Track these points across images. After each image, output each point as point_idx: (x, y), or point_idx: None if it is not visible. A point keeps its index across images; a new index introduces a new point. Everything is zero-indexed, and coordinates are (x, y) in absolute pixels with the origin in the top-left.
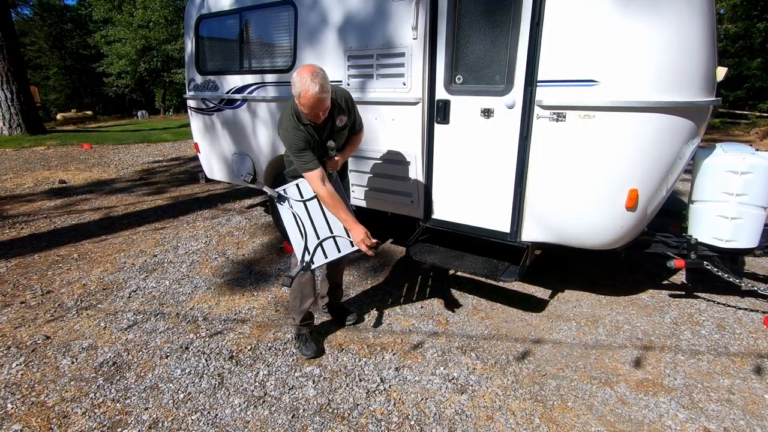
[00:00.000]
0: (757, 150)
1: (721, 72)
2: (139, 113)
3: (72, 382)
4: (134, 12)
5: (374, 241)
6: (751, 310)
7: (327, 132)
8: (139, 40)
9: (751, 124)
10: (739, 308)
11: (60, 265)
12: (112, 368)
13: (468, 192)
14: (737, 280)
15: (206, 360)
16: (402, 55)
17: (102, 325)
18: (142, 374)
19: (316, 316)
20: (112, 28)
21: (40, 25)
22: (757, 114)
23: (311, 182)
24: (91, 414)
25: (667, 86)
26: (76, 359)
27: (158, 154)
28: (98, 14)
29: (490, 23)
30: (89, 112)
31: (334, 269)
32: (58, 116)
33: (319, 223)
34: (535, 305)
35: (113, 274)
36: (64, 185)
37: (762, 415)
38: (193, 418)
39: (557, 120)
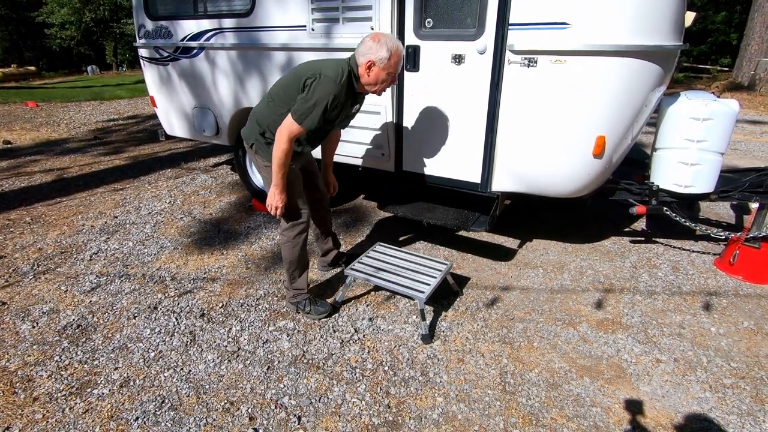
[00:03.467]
0: (718, 96)
1: (690, 17)
2: (89, 68)
3: (34, 347)
4: None
5: (280, 208)
6: (704, 253)
7: (346, 111)
8: None
9: (712, 78)
10: (693, 251)
11: (11, 229)
12: (77, 331)
13: (439, 142)
14: (693, 225)
15: (176, 319)
16: None
17: (63, 288)
18: (109, 335)
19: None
20: None
21: None
22: (718, 69)
23: (285, 132)
24: (57, 376)
25: (639, 29)
26: (37, 323)
27: (113, 112)
28: None
29: None
30: (32, 68)
31: (322, 221)
32: None
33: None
34: (504, 255)
35: (71, 237)
36: (9, 146)
37: (708, 345)
38: (165, 375)
39: (528, 65)
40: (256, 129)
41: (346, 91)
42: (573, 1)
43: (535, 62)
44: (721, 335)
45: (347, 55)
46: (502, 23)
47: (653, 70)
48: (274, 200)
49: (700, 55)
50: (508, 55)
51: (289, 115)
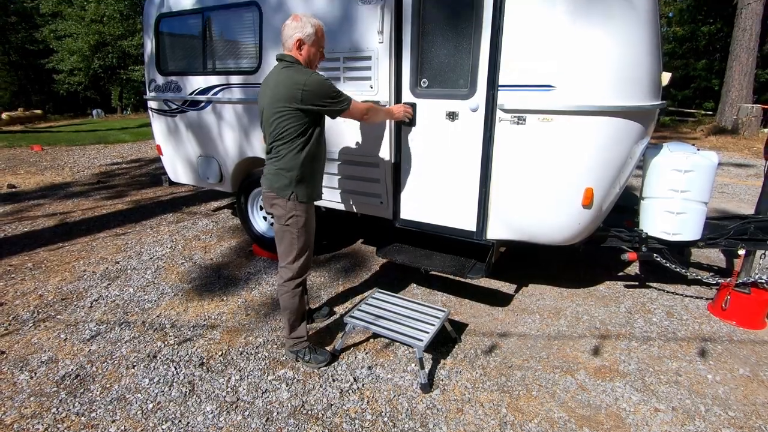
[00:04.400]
0: (698, 150)
1: (666, 77)
2: (94, 112)
3: (32, 398)
4: (86, 6)
5: (408, 108)
6: (697, 298)
7: None
8: (93, 36)
9: (697, 122)
10: (686, 296)
11: (13, 275)
12: (75, 381)
13: (435, 192)
14: (684, 270)
15: (176, 368)
16: (369, 58)
17: (62, 336)
18: (107, 386)
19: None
20: (62, 22)
21: None
22: (702, 113)
23: (358, 108)
24: (53, 430)
25: (618, 91)
26: (35, 373)
27: (116, 155)
28: (46, 7)
29: (453, 29)
30: (38, 111)
31: None
32: (3, 115)
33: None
34: (501, 300)
35: (72, 283)
36: (13, 190)
37: (705, 393)
38: (163, 427)
39: (518, 123)
40: (286, 177)
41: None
42: (556, 67)
43: (524, 120)
44: (717, 383)
45: None
46: (492, 85)
47: (634, 127)
48: (398, 111)
49: (684, 99)
50: (499, 113)
51: (340, 113)
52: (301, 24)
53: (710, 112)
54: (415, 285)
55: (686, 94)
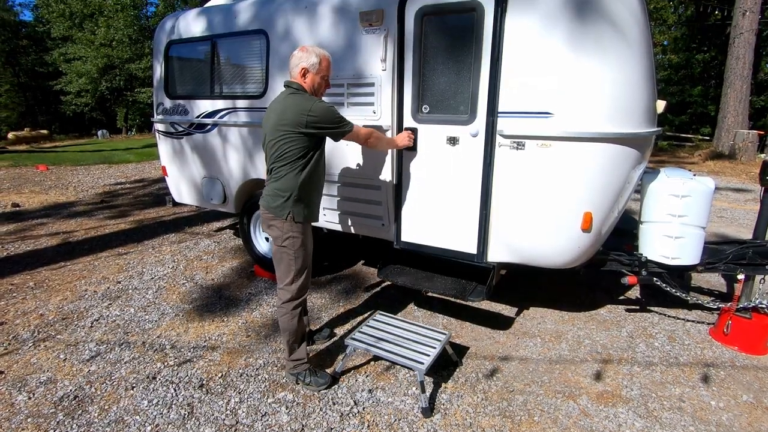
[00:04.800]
0: (695, 175)
1: (661, 105)
2: (100, 132)
3: (29, 419)
4: (96, 30)
5: (411, 135)
6: (698, 322)
7: None
8: (101, 59)
9: (694, 147)
10: (688, 320)
11: (14, 294)
12: (74, 402)
13: (436, 216)
14: (684, 295)
15: (175, 390)
16: (372, 85)
17: (62, 357)
18: (106, 407)
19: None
20: (72, 45)
21: None
22: (699, 138)
23: (360, 132)
24: None
25: (614, 119)
26: (33, 394)
27: (120, 175)
28: (57, 32)
29: (453, 58)
30: (44, 131)
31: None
32: (10, 135)
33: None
34: (502, 323)
35: (73, 302)
36: (17, 209)
37: (709, 420)
38: None
39: (517, 148)
40: (283, 197)
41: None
42: (554, 94)
43: (523, 145)
44: (721, 409)
45: None
46: (492, 111)
47: (631, 153)
48: (402, 141)
49: (681, 125)
50: (498, 138)
51: (342, 136)
52: (306, 54)
53: (707, 138)
54: (416, 307)
55: (683, 120)
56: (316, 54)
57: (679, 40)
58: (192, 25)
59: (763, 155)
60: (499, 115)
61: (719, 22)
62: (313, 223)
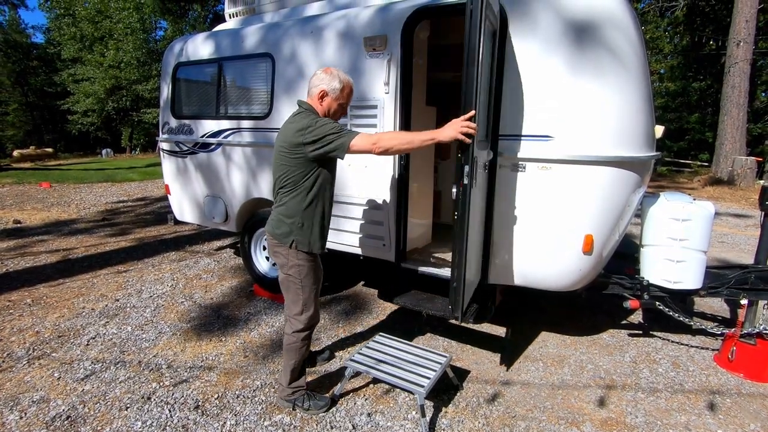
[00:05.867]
0: (694, 199)
1: (660, 130)
2: (104, 151)
3: None
4: (106, 53)
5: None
6: (702, 348)
7: None
8: (109, 80)
9: (693, 173)
10: (692, 346)
11: (11, 311)
12: (66, 422)
13: None
14: (687, 320)
15: (170, 410)
16: (375, 107)
17: (56, 375)
18: (98, 428)
19: None
20: (82, 67)
21: (3, 61)
22: (698, 164)
23: (365, 140)
24: None
25: (614, 143)
26: (25, 414)
27: (123, 194)
28: (68, 53)
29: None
30: (49, 149)
31: None
32: (15, 153)
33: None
34: (504, 346)
35: (70, 320)
36: (18, 225)
37: None
38: None
39: (518, 170)
40: (287, 223)
41: None
42: (554, 119)
43: (524, 168)
44: None
45: (355, 155)
46: (493, 134)
47: (631, 176)
48: (454, 129)
49: (680, 151)
50: (500, 160)
51: (344, 146)
52: (329, 77)
53: (706, 164)
54: (416, 329)
55: (681, 146)
56: (339, 79)
57: (675, 69)
58: (200, 47)
59: (762, 181)
60: (500, 137)
61: (714, 52)
62: None
